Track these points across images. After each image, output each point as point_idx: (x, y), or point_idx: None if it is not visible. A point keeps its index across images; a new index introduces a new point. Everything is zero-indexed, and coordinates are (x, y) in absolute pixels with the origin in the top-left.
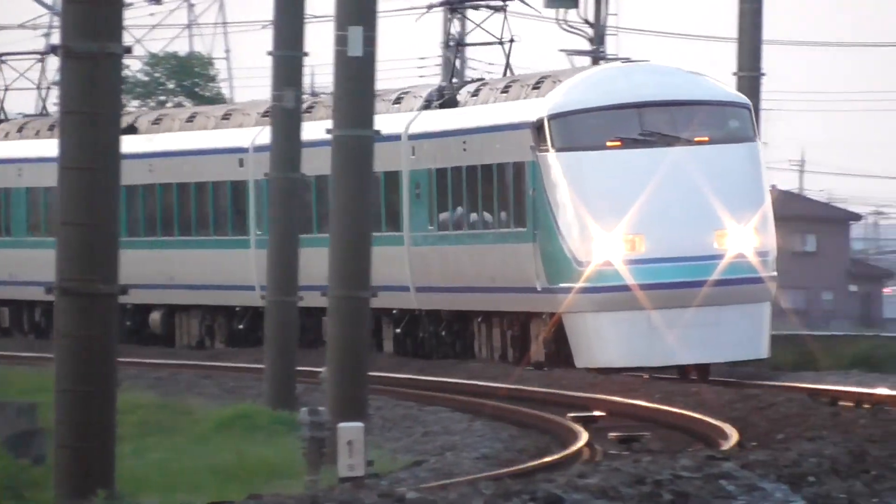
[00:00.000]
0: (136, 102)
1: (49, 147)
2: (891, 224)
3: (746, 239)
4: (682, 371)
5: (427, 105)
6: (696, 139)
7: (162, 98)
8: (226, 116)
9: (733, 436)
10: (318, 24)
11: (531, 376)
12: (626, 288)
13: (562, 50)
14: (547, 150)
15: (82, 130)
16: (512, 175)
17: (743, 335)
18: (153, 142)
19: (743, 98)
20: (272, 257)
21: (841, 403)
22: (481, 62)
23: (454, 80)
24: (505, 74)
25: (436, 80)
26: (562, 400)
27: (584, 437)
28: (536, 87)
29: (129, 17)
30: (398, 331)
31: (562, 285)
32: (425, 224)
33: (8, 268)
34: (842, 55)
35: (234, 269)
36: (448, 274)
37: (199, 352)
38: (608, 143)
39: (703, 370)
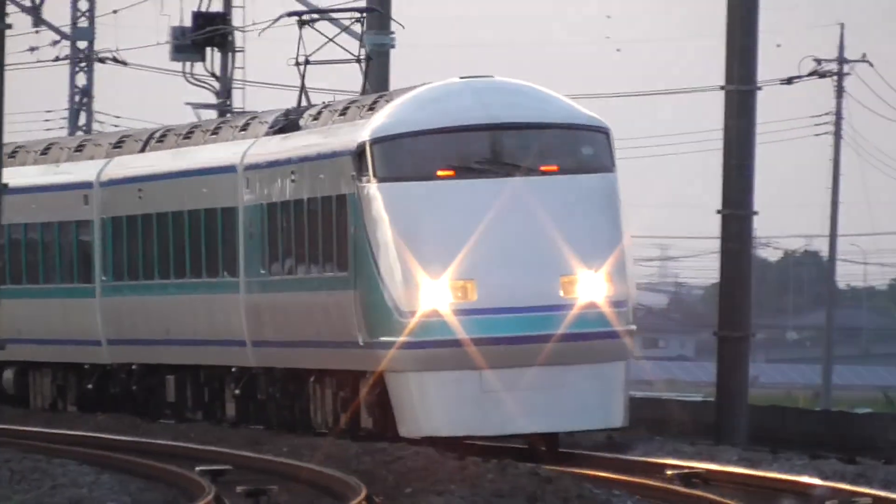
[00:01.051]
0: None
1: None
2: None
3: (598, 286)
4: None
5: (276, 131)
6: (543, 168)
7: None
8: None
9: (361, 490)
10: None
11: (157, 429)
12: (454, 343)
13: (188, 103)
14: (368, 181)
15: None
16: (335, 210)
17: (594, 400)
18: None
19: (600, 121)
20: None
21: (470, 458)
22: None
23: (304, 102)
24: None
25: (63, 132)
26: (189, 453)
27: (212, 490)
28: (371, 107)
29: None
30: (237, 392)
31: (382, 339)
32: (258, 268)
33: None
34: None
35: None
36: (280, 326)
37: None
38: (439, 173)
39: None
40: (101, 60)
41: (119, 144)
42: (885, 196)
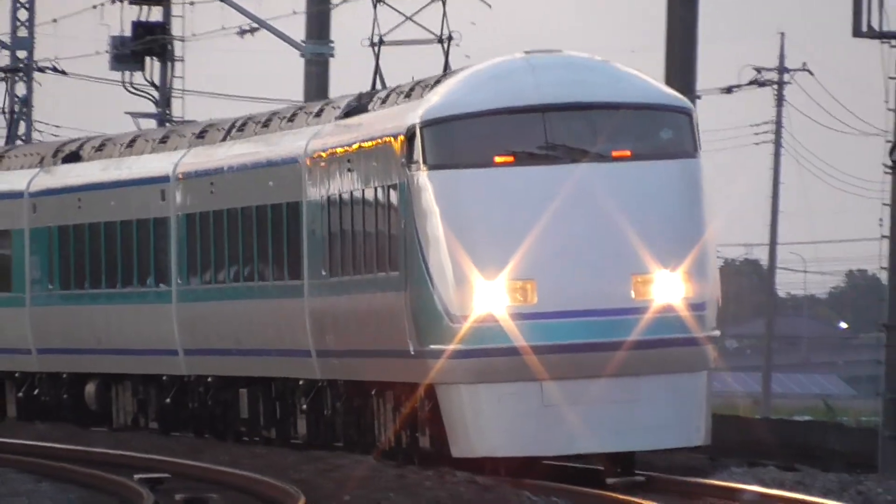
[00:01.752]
0: None
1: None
2: None
3: (676, 287)
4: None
5: (343, 116)
6: (614, 153)
7: None
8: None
9: (299, 497)
10: None
11: (98, 438)
12: (512, 351)
13: (127, 112)
14: (418, 169)
15: None
16: (387, 203)
17: (670, 415)
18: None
19: (681, 100)
20: None
21: (409, 466)
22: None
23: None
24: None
25: (1, 142)
26: (128, 461)
27: (150, 498)
28: (434, 87)
29: None
30: (305, 407)
31: (432, 347)
32: (319, 270)
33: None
34: None
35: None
36: (340, 333)
37: None
38: (496, 159)
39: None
40: (41, 70)
41: (202, 134)
42: (825, 205)
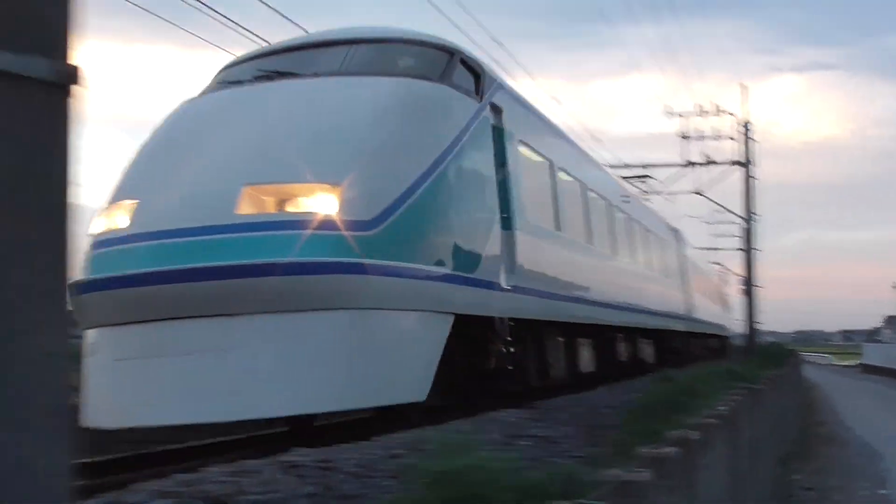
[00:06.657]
0: None
1: None
2: None
3: (315, 197)
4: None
5: None
6: (323, 73)
7: None
8: None
9: None
10: None
11: None
12: (90, 286)
13: None
14: None
15: None
16: None
17: (278, 370)
18: None
19: (436, 39)
20: None
21: None
22: None
23: None
24: None
25: None
26: None
27: None
28: None
29: None
30: None
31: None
32: None
33: None
34: None
35: None
36: None
37: None
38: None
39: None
40: None
41: None
42: None
